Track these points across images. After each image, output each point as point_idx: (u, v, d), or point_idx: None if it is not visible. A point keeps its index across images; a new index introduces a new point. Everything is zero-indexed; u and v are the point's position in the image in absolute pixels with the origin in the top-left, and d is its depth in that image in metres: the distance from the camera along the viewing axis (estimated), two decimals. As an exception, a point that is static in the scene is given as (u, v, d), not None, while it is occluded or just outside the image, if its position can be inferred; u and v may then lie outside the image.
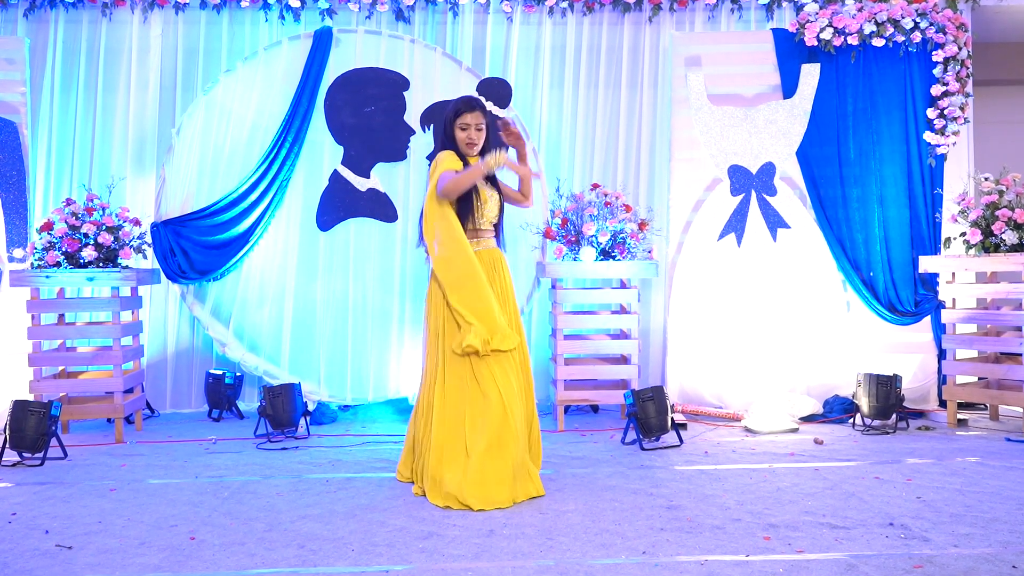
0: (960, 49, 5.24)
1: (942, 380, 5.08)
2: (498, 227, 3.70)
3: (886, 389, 4.68)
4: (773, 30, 5.46)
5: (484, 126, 3.58)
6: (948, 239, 5.05)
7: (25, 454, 4.11)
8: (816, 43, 5.28)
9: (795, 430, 4.74)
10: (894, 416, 4.73)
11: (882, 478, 3.66)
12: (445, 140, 3.60)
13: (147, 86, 5.53)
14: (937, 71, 5.29)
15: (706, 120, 5.36)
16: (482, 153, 3.58)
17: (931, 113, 5.27)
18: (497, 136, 3.67)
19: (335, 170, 5.38)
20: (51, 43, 5.49)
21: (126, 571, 2.65)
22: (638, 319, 5.04)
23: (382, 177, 5.40)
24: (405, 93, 5.39)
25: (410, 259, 5.40)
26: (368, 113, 5.37)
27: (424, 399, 3.61)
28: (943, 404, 5.14)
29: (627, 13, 5.66)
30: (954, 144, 5.31)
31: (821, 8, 5.39)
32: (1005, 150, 6.26)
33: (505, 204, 3.74)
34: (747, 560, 2.67)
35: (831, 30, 5.24)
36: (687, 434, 4.61)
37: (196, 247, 5.18)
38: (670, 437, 4.40)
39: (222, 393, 5.24)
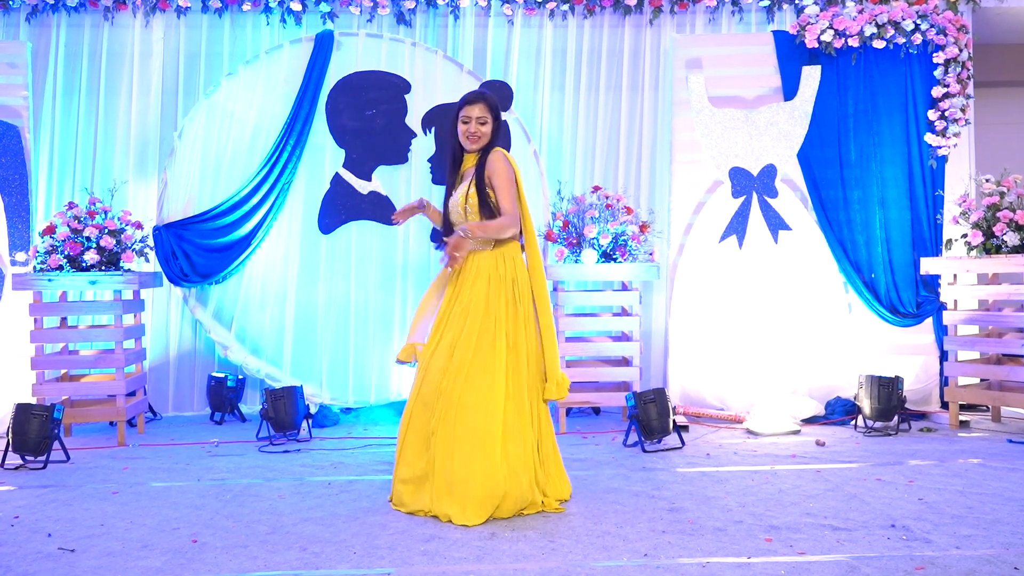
0: (961, 51, 5.25)
1: (944, 382, 5.08)
2: None
3: (888, 391, 4.68)
4: (774, 32, 5.47)
5: (489, 120, 3.39)
6: (949, 241, 5.06)
7: (28, 457, 4.12)
8: (817, 45, 5.29)
9: (797, 432, 4.73)
10: (896, 418, 4.73)
11: (884, 480, 3.66)
12: (451, 132, 3.46)
13: (149, 90, 5.54)
14: (938, 73, 5.29)
15: (707, 122, 5.36)
16: (487, 148, 3.40)
17: (932, 115, 5.28)
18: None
19: (336, 173, 5.39)
20: (53, 47, 5.50)
21: (128, 574, 2.66)
22: (639, 321, 5.04)
23: (384, 180, 5.40)
24: (406, 96, 5.40)
25: (411, 262, 5.41)
26: (369, 116, 5.37)
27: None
28: (945, 406, 5.14)
29: (628, 16, 5.67)
30: (955, 146, 5.31)
31: (822, 10, 5.40)
32: (1006, 151, 6.26)
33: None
34: (749, 562, 2.67)
35: (832, 32, 5.25)
36: (689, 436, 4.61)
37: (198, 250, 5.18)
38: (672, 439, 4.40)
39: (224, 396, 5.25)
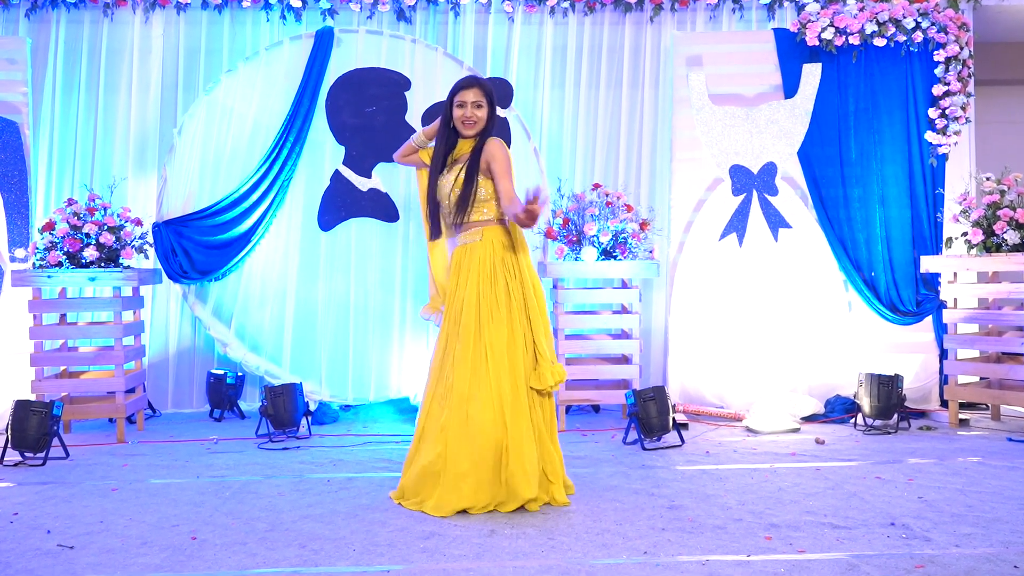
0: (961, 49, 5.24)
1: (944, 380, 5.08)
2: None
3: (887, 389, 4.68)
4: (774, 30, 5.46)
5: (485, 103, 3.36)
6: (950, 239, 5.05)
7: (27, 454, 4.12)
8: (817, 43, 5.28)
9: (796, 430, 4.73)
10: (895, 416, 4.73)
11: (883, 478, 3.66)
12: (443, 117, 3.44)
13: (149, 86, 5.53)
14: (939, 71, 5.28)
15: (707, 120, 5.36)
16: (484, 133, 3.39)
17: (932, 113, 5.27)
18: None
19: (336, 170, 5.38)
20: (53, 43, 5.49)
21: (128, 571, 2.65)
22: (639, 319, 5.04)
23: (383, 177, 5.40)
24: (406, 93, 5.39)
25: (411, 259, 5.40)
26: (370, 113, 5.37)
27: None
28: (945, 404, 5.14)
29: (628, 13, 5.66)
30: (955, 144, 5.31)
31: (822, 8, 5.39)
32: (1007, 150, 6.26)
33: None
34: (748, 560, 2.67)
35: (832, 30, 5.24)
36: (688, 434, 4.61)
37: (197, 247, 5.18)
38: (671, 437, 4.40)
39: (224, 393, 5.24)
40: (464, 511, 3.18)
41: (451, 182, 3.40)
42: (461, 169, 3.38)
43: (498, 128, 5.26)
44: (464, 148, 3.44)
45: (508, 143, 5.32)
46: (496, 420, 3.21)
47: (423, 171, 3.63)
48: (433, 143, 3.55)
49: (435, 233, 3.53)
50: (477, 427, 3.20)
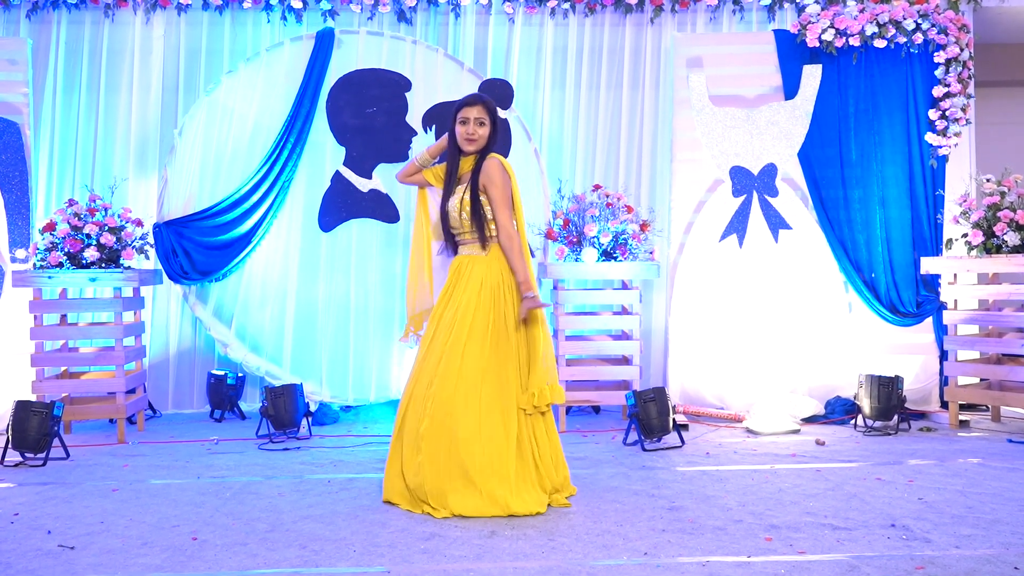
0: (962, 50, 5.24)
1: (944, 381, 5.08)
2: None
3: (888, 390, 4.68)
4: (775, 31, 5.46)
5: (487, 122, 3.41)
6: (950, 240, 5.06)
7: (28, 454, 4.12)
8: (818, 44, 5.29)
9: (797, 431, 4.73)
10: (896, 417, 4.73)
11: (884, 479, 3.66)
12: (449, 135, 3.47)
13: (149, 87, 5.54)
14: (939, 72, 5.29)
15: (708, 121, 5.36)
16: (484, 151, 3.42)
17: (933, 114, 5.28)
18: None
19: (337, 171, 5.39)
20: (53, 44, 5.50)
21: (128, 571, 2.66)
22: (640, 320, 5.04)
23: (384, 178, 5.40)
24: (407, 94, 5.40)
25: (412, 260, 5.40)
26: (370, 114, 5.37)
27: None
28: (945, 405, 5.14)
29: (629, 14, 5.67)
30: (956, 145, 5.31)
31: (823, 9, 5.39)
32: (1007, 151, 6.26)
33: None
34: (749, 561, 2.67)
35: (833, 31, 5.25)
36: (689, 435, 4.61)
37: (198, 248, 5.18)
38: (672, 438, 4.40)
39: (224, 394, 5.25)
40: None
41: (457, 205, 3.42)
42: (465, 190, 3.41)
43: (499, 130, 5.29)
44: (465, 167, 3.47)
45: (509, 144, 5.33)
46: (481, 436, 3.22)
47: (424, 190, 3.65)
48: (436, 162, 3.57)
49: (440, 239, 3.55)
50: (458, 442, 3.21)
